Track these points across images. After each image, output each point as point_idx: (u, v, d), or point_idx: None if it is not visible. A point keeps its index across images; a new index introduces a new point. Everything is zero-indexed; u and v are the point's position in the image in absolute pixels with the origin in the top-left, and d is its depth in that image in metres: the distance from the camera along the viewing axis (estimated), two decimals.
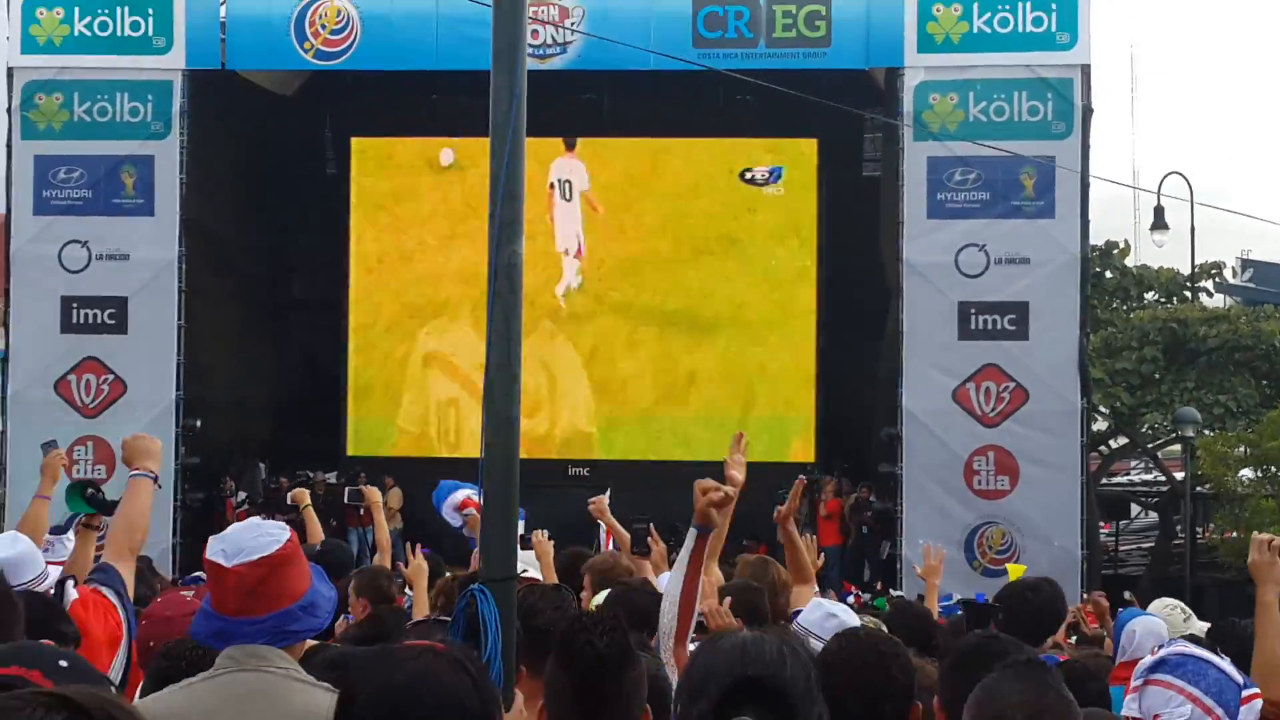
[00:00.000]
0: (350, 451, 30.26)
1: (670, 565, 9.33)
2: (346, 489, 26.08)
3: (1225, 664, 5.38)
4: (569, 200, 30.11)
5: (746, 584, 8.00)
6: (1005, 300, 24.82)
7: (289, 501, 13.60)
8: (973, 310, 24.86)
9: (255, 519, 4.85)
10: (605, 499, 10.75)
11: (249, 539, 4.55)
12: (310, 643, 5.10)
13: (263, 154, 30.16)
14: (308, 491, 14.17)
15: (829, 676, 4.00)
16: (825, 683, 3.70)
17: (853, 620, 7.25)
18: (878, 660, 4.90)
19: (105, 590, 6.20)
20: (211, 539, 4.64)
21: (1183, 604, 9.55)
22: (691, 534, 5.98)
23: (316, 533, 12.07)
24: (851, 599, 16.63)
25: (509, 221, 5.13)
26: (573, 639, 4.58)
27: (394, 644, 4.83)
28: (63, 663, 3.94)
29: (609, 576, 8.52)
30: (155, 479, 6.71)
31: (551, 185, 29.89)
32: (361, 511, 27.59)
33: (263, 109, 29.17)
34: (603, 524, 11.01)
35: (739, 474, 6.88)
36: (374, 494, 12.96)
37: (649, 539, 9.69)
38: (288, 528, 4.66)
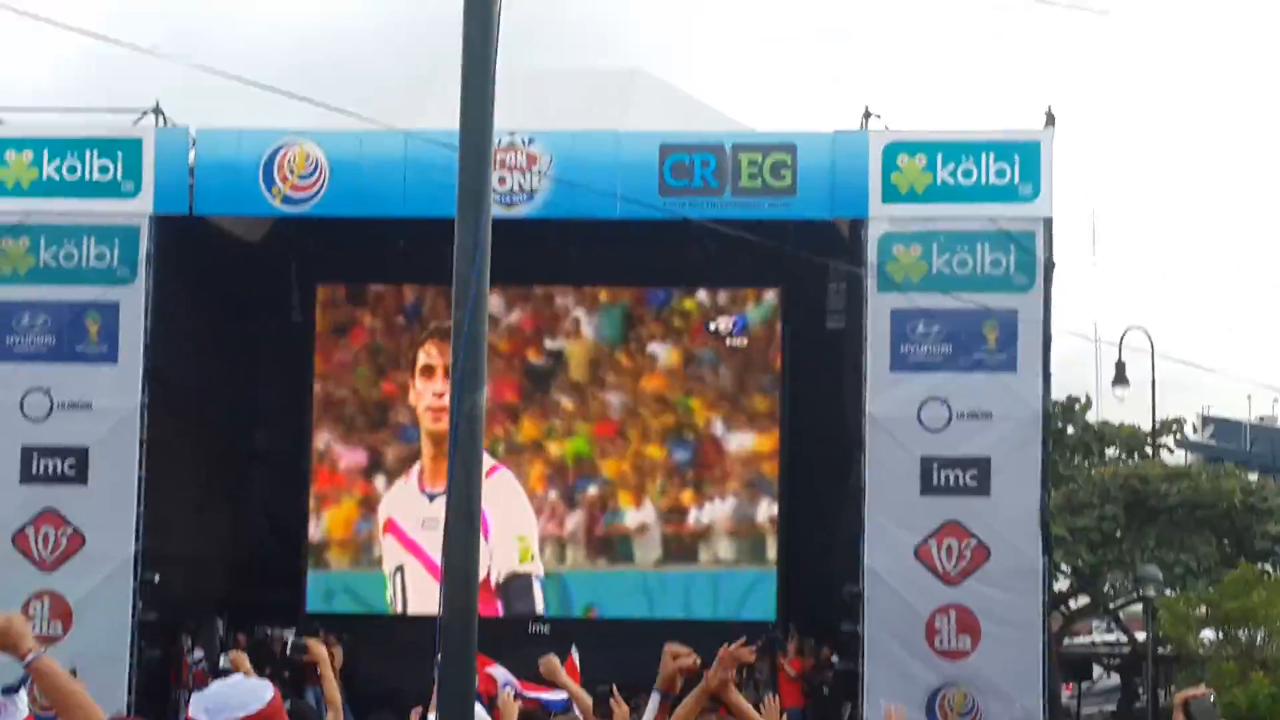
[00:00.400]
0: (310, 608, 29.90)
1: None
2: (290, 640, 25.55)
3: None
4: None
5: None
6: (967, 455, 24.72)
7: (227, 666, 12.97)
8: (935, 465, 24.76)
9: (238, 676, 4.77)
10: (554, 659, 10.46)
11: (232, 697, 4.48)
12: None
13: (228, 300, 29.98)
14: (245, 657, 13.47)
15: None
16: None
17: None
18: None
19: None
20: (195, 696, 4.57)
21: None
22: (655, 698, 5.91)
23: None
24: None
25: (471, 371, 5.09)
26: None
27: None
28: None
29: None
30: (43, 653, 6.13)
31: None
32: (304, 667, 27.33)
33: (229, 255, 29.01)
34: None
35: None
36: (319, 648, 11.91)
37: (611, 700, 9.53)
38: (271, 685, 4.58)
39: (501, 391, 29.43)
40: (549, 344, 30.69)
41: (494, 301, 28.04)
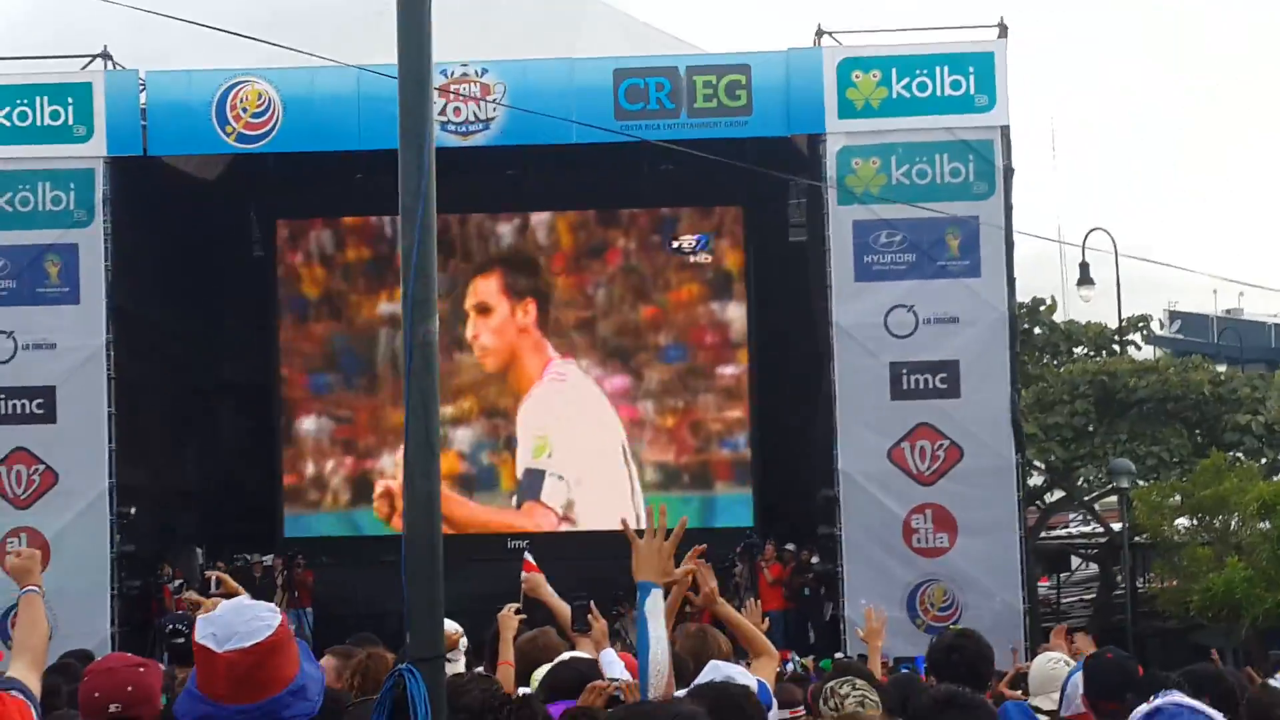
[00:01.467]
0: (287, 534, 30.07)
1: (609, 641, 9.29)
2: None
3: (1217, 715, 5.36)
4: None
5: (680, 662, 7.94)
6: (936, 360, 24.97)
7: (210, 582, 12.87)
8: (904, 371, 25.00)
9: (244, 599, 4.74)
10: (538, 577, 10.47)
11: (240, 623, 4.42)
12: None
13: (188, 239, 30.01)
14: (228, 575, 13.35)
15: None
16: None
17: (746, 681, 7.18)
18: None
19: (14, 692, 6.06)
20: (201, 620, 4.51)
21: (1066, 657, 9.52)
22: (658, 593, 6.03)
23: None
24: (790, 666, 16.51)
25: (422, 300, 5.10)
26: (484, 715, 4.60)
27: None
28: None
29: (538, 655, 8.47)
30: (40, 590, 6.51)
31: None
32: (296, 593, 27.55)
33: (186, 194, 29.05)
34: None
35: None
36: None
37: (589, 615, 9.58)
38: (278, 610, 4.55)
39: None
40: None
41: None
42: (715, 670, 7.28)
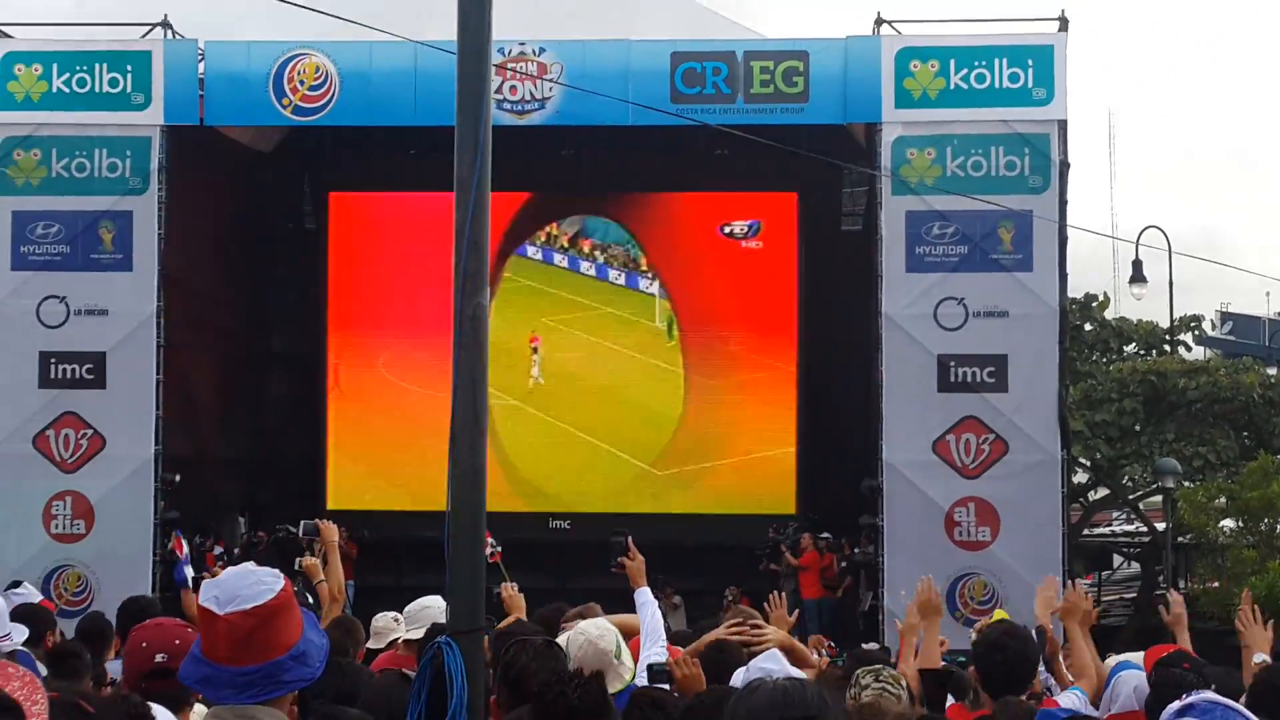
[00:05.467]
0: (330, 505, 30.16)
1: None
2: (301, 523, 25.46)
3: (1250, 714, 5.34)
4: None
5: (720, 643, 7.95)
6: (984, 353, 24.85)
7: (298, 569, 12.66)
8: (952, 363, 24.89)
9: (249, 565, 4.79)
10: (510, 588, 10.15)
11: (243, 587, 4.48)
12: None
13: (241, 209, 30.21)
14: (319, 564, 13.03)
15: None
16: None
17: (788, 672, 7.16)
18: None
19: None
20: (205, 583, 4.58)
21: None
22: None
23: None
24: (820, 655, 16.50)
25: (473, 273, 5.12)
26: (546, 690, 4.61)
27: None
28: None
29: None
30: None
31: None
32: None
33: (241, 164, 29.23)
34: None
35: None
36: (330, 531, 11.38)
37: (627, 552, 9.36)
38: (282, 575, 4.60)
39: None
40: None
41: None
42: (771, 659, 7.31)
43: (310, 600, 11.12)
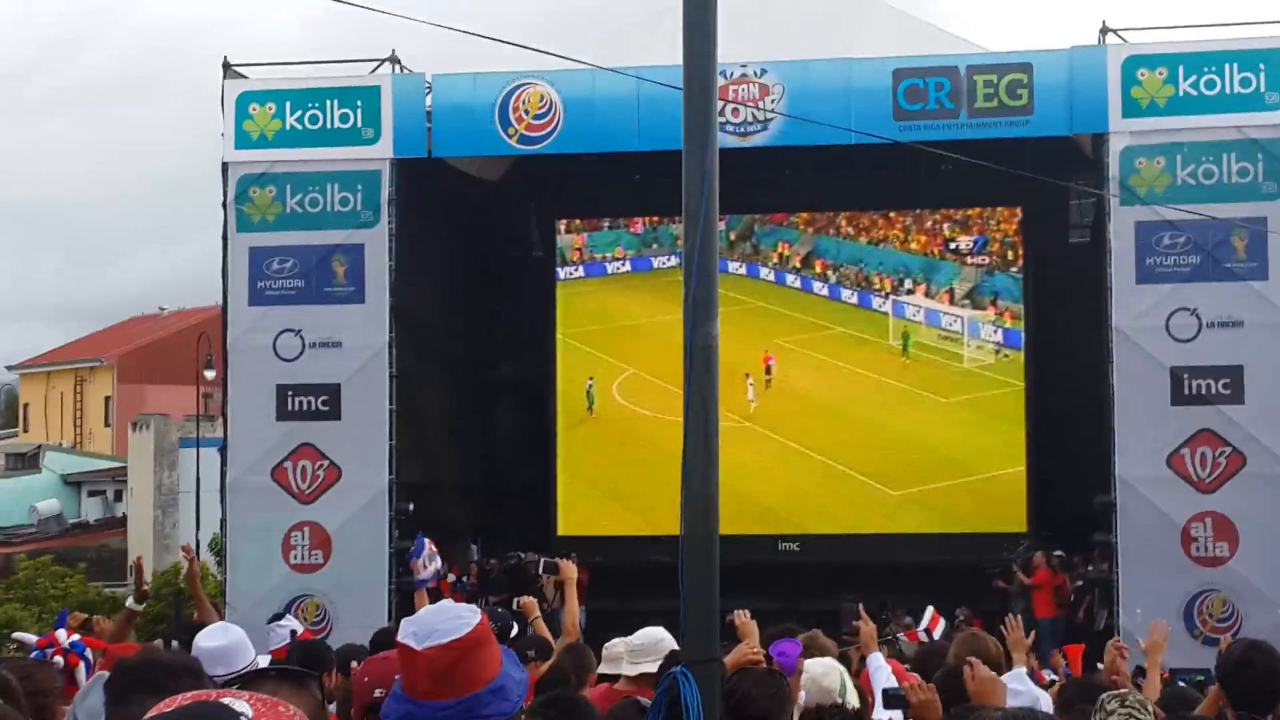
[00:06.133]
0: (560, 531, 30.39)
1: (878, 644, 9.32)
2: (542, 560, 25.73)
3: None
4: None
5: (957, 667, 7.90)
6: (1219, 364, 24.38)
7: (517, 608, 12.93)
8: (1186, 375, 24.44)
9: (446, 601, 4.85)
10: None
11: (440, 622, 4.54)
12: None
13: (469, 239, 30.60)
14: (535, 601, 13.47)
15: None
16: None
17: (1033, 691, 7.11)
18: None
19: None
20: (404, 621, 4.66)
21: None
22: None
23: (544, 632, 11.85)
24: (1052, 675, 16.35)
25: (703, 300, 5.14)
26: None
27: None
28: None
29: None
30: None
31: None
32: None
33: (469, 195, 29.59)
34: None
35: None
36: (569, 568, 11.98)
37: (859, 619, 9.63)
38: (479, 610, 4.66)
39: None
40: None
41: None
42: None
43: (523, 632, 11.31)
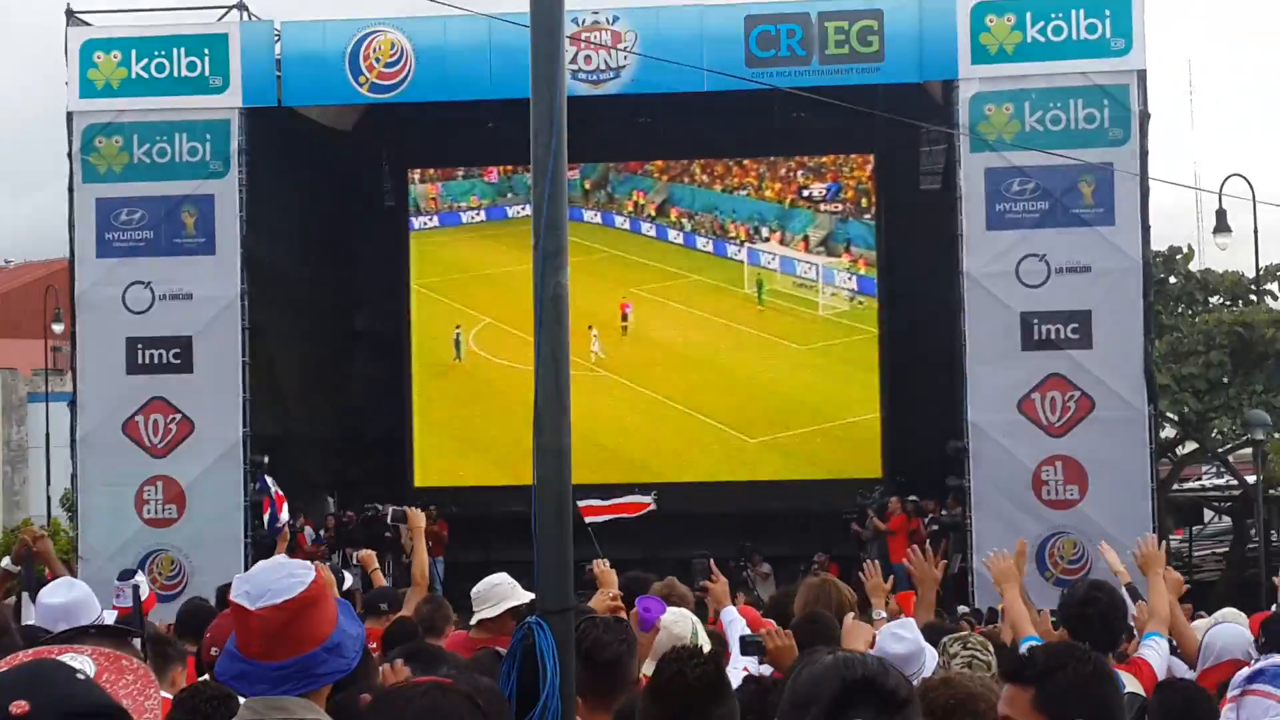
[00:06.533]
0: (418, 483, 30.30)
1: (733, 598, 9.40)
2: (391, 509, 25.63)
3: None
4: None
5: (813, 614, 7.98)
6: (1068, 309, 24.67)
7: (354, 562, 13.14)
8: (1035, 320, 24.72)
9: (280, 557, 4.78)
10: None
11: (273, 580, 4.46)
12: None
13: (321, 189, 30.32)
14: (374, 554, 13.64)
15: None
16: None
17: (919, 640, 7.20)
18: None
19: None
20: (237, 578, 4.57)
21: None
22: None
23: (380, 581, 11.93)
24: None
25: (553, 252, 5.11)
26: (664, 668, 4.64)
27: (403, 683, 4.79)
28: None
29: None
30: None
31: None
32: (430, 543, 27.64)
33: (320, 144, 29.31)
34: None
35: None
36: (417, 518, 12.02)
37: (710, 573, 9.72)
38: (313, 567, 4.59)
39: None
40: None
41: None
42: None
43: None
